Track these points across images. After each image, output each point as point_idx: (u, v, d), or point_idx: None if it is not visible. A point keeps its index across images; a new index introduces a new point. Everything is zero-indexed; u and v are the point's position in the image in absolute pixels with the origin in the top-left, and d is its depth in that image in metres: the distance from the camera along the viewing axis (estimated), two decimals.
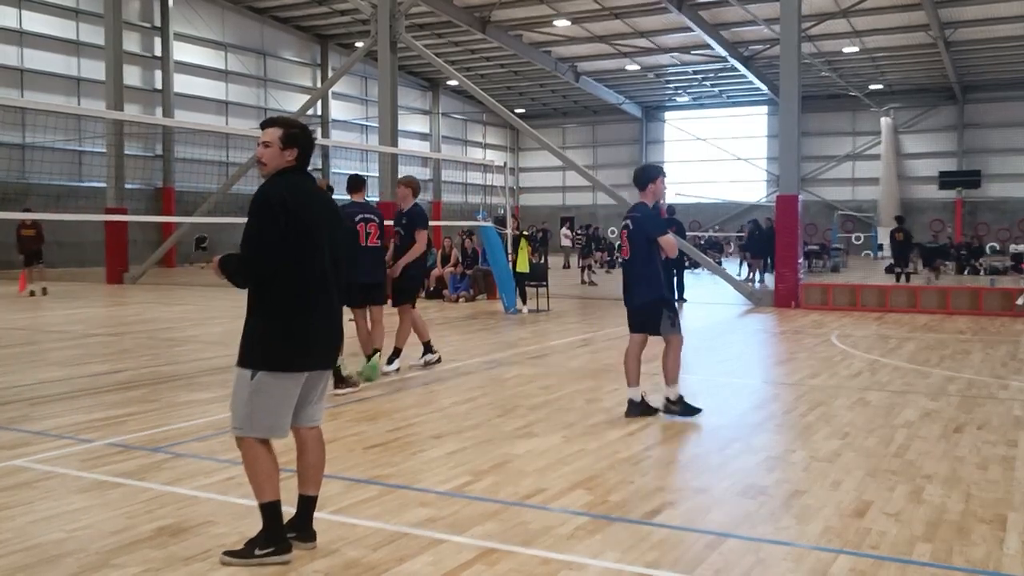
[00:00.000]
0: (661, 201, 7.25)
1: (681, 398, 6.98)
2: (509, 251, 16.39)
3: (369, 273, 8.36)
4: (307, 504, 4.13)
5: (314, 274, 3.96)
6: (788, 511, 4.68)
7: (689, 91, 44.57)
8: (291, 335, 3.90)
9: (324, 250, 4.01)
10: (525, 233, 16.42)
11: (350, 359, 9.48)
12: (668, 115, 48.72)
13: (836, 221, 41.26)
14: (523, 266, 16.00)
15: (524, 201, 50.56)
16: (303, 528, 4.10)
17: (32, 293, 18.64)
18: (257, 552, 3.87)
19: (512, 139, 52.07)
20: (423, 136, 45.63)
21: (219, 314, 15.51)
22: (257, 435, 3.92)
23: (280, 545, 3.90)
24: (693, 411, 6.94)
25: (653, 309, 6.97)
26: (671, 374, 6.96)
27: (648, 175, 7.07)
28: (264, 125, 4.07)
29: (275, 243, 3.86)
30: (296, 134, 4.02)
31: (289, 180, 3.99)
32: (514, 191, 47.98)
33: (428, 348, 9.51)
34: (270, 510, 3.93)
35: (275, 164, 4.00)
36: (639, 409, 6.99)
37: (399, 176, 11.33)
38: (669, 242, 6.94)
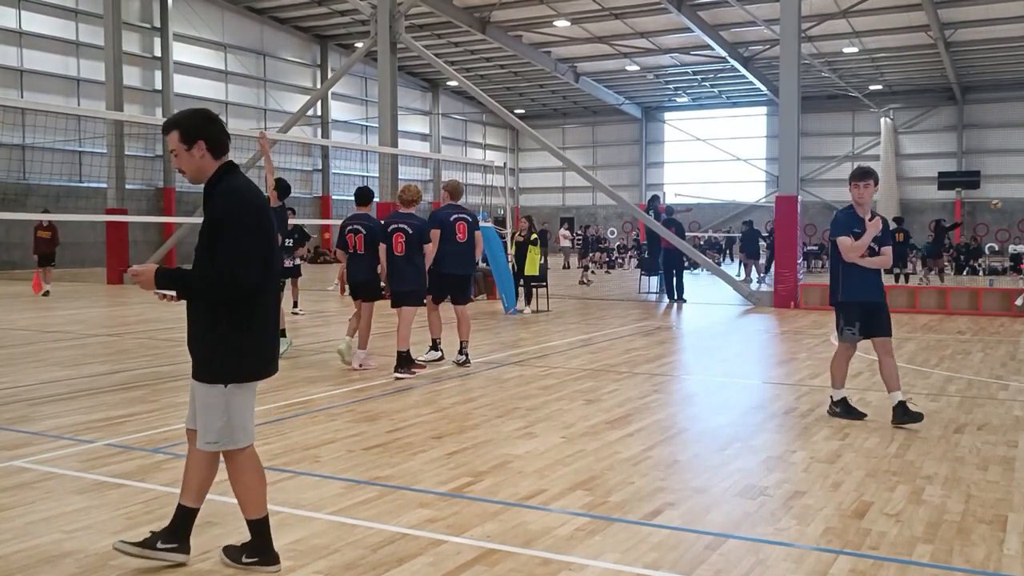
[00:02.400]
0: (862, 208, 6.85)
1: (844, 400, 6.96)
2: (510, 252, 16.38)
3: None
4: (191, 515, 3.92)
5: (274, 278, 3.84)
6: (788, 511, 4.67)
7: (689, 91, 44.59)
8: (261, 343, 3.80)
9: (275, 251, 3.87)
10: (534, 236, 16.35)
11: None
12: (668, 115, 48.76)
13: None
14: (532, 269, 15.98)
15: (524, 201, 50.58)
16: (183, 539, 3.88)
17: (47, 293, 18.88)
18: (244, 559, 3.83)
19: (512, 139, 52.09)
20: (423, 136, 45.65)
21: None
22: (235, 446, 3.80)
23: (266, 556, 3.83)
24: (855, 415, 6.89)
25: (836, 311, 6.96)
26: (833, 377, 6.99)
27: (849, 178, 6.98)
28: (163, 131, 3.79)
29: (256, 253, 3.66)
30: (194, 126, 3.73)
31: (241, 181, 3.77)
32: (514, 192, 48.00)
33: (435, 346, 10.01)
34: (258, 526, 3.86)
35: (194, 166, 3.74)
36: (840, 409, 6.95)
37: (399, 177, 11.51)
38: (844, 244, 6.74)
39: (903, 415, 6.60)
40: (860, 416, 6.88)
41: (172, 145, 3.74)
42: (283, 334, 10.25)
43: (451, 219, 9.67)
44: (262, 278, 3.71)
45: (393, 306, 9.13)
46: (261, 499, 3.88)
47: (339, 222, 10.40)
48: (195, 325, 3.81)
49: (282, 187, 10.38)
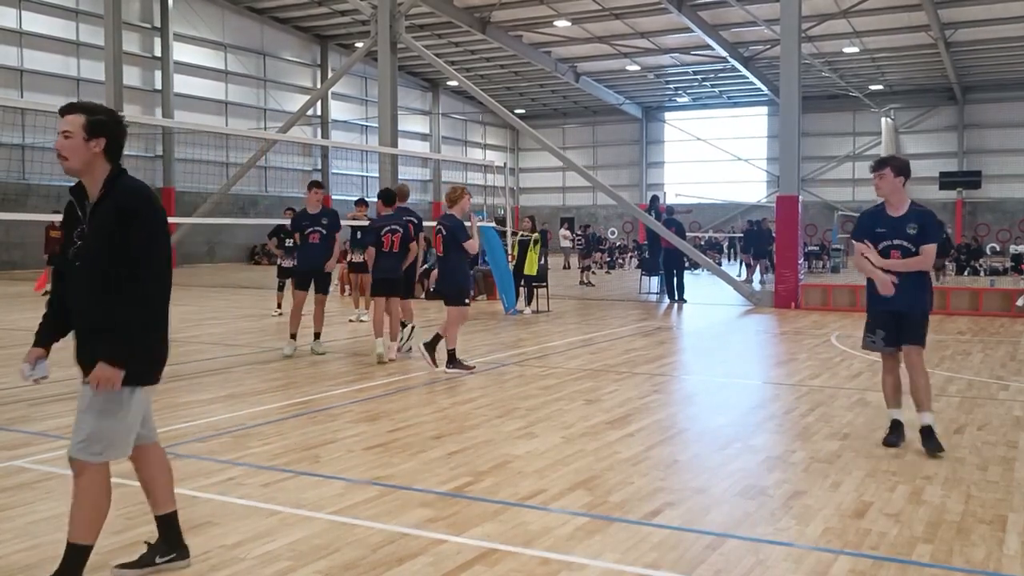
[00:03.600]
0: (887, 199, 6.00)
1: (896, 423, 6.13)
2: (509, 251, 16.38)
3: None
4: (174, 520, 3.89)
5: (171, 278, 3.69)
6: (788, 511, 4.67)
7: (689, 91, 44.59)
8: (164, 345, 3.67)
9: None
10: (536, 236, 16.35)
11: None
12: (668, 115, 48.75)
13: (836, 222, 41.29)
14: (531, 268, 15.98)
15: (524, 201, 50.58)
16: (179, 545, 3.87)
17: (46, 293, 18.85)
18: None
19: (512, 139, 52.09)
20: (423, 136, 45.64)
21: (219, 314, 15.51)
22: (115, 457, 3.59)
23: None
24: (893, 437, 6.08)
25: None
26: (884, 397, 6.23)
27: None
28: (64, 111, 3.53)
29: (167, 246, 3.56)
30: (102, 120, 3.53)
31: (140, 182, 3.63)
32: (514, 192, 48.02)
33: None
34: (85, 554, 3.54)
35: (79, 157, 3.48)
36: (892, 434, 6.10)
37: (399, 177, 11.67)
38: (856, 250, 6.06)
39: (929, 440, 5.81)
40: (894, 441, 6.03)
41: (71, 127, 3.47)
42: (293, 338, 10.46)
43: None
44: (169, 274, 3.61)
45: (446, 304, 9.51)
46: (99, 525, 3.58)
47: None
48: (101, 321, 3.51)
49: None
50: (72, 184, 3.65)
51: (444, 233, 9.20)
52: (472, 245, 9.29)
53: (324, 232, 10.33)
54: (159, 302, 3.58)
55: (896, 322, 5.96)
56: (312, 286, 10.37)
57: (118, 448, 3.59)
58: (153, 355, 3.63)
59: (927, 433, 5.85)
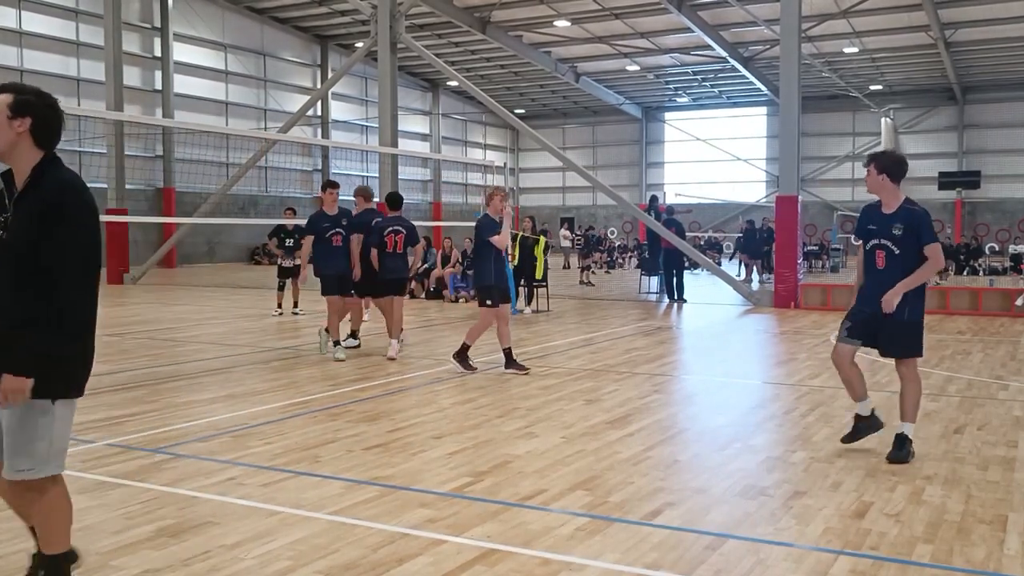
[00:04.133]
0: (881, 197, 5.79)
1: (855, 415, 6.04)
2: (510, 253, 16.38)
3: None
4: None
5: (98, 280, 3.41)
6: (788, 511, 4.68)
7: (689, 92, 44.60)
8: (89, 353, 3.41)
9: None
10: (544, 241, 16.29)
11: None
12: (668, 115, 48.74)
13: (836, 222, 41.30)
14: (539, 272, 15.96)
15: (524, 201, 50.56)
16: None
17: None
18: None
19: (512, 140, 52.08)
20: (423, 136, 45.64)
21: (219, 314, 15.50)
22: (57, 471, 3.41)
23: None
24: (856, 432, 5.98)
25: None
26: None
27: None
28: None
29: (97, 245, 3.30)
30: (28, 100, 3.30)
31: (73, 174, 3.38)
32: (514, 191, 48.00)
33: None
34: (64, 561, 3.50)
35: (7, 139, 3.28)
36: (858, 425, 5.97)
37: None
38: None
39: (900, 449, 5.65)
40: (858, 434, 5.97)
41: None
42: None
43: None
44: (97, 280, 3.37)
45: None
46: (68, 531, 3.49)
47: None
48: (19, 317, 3.23)
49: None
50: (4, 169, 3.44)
51: (474, 234, 9.45)
52: (498, 240, 9.20)
53: (344, 234, 10.31)
54: (83, 308, 3.26)
55: (868, 323, 5.77)
56: (321, 287, 10.33)
57: (54, 464, 3.38)
58: (73, 367, 3.35)
59: (900, 440, 5.67)
